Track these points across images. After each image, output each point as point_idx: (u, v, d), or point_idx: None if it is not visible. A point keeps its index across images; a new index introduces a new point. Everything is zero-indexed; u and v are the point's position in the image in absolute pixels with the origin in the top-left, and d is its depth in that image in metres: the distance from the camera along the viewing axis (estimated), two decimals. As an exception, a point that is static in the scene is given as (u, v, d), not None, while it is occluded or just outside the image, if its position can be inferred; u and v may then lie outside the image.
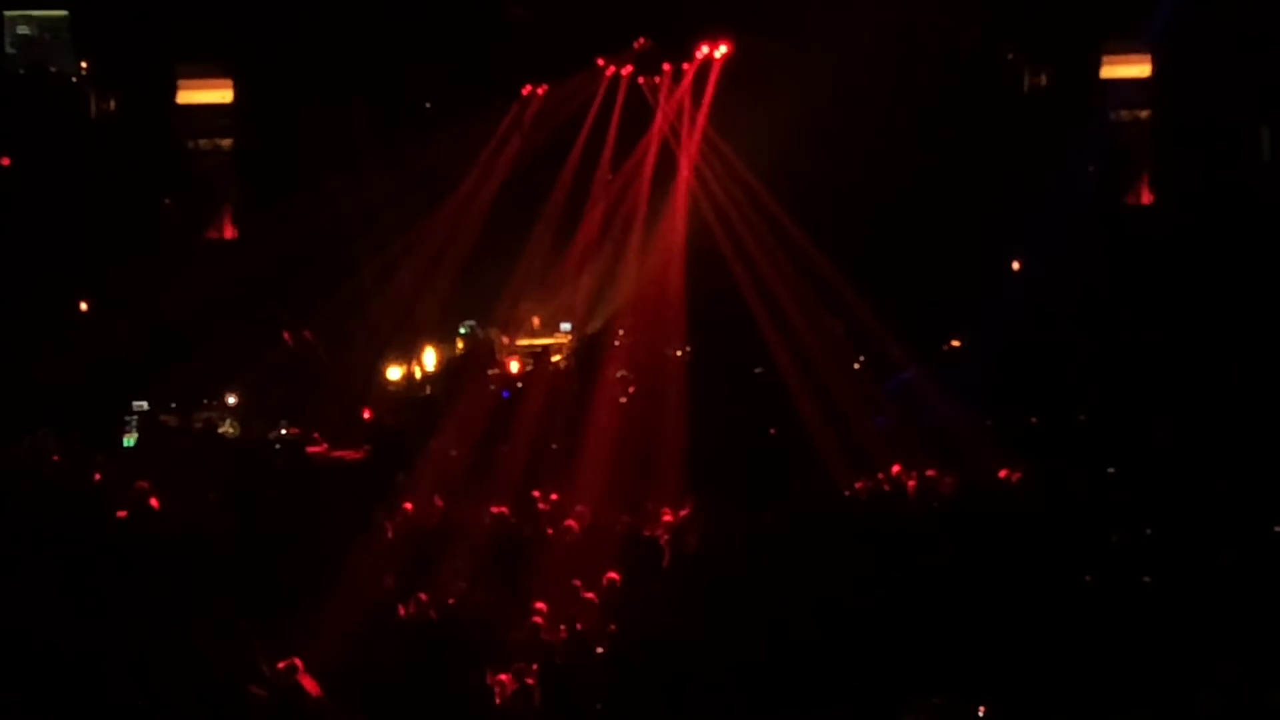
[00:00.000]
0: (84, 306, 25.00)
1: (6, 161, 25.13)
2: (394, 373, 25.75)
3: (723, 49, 25.73)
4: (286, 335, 23.96)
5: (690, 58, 26.10)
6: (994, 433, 20.80)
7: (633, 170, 26.39)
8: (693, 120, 26.18)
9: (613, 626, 13.43)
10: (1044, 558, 14.02)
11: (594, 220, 26.31)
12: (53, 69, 26.23)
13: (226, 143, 26.28)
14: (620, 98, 26.25)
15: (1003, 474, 18.53)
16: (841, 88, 23.36)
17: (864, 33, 23.26)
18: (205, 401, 24.51)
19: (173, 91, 25.81)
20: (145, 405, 24.08)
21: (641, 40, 26.04)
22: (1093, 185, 25.19)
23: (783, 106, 23.46)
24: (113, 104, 26.13)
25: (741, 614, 12.59)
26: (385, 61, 24.60)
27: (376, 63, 24.46)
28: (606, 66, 26.29)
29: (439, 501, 17.48)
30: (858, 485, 18.76)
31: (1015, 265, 25.85)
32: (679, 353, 24.91)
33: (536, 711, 11.90)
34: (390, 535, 16.21)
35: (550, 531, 16.56)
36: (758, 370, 23.80)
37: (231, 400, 24.69)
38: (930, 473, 18.65)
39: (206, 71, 25.85)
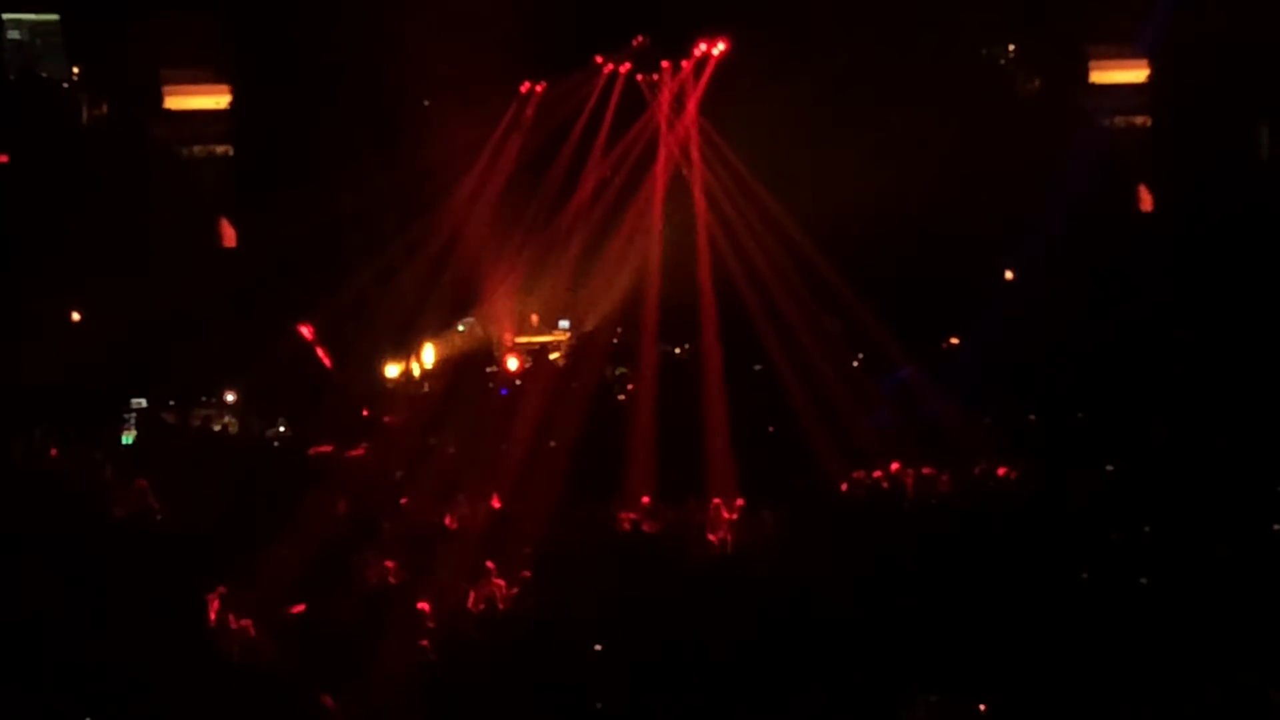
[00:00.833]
0: (75, 316, 24.86)
1: (5, 159, 25.06)
2: (392, 370, 25.75)
3: (720, 46, 25.75)
4: (300, 329, 23.89)
5: (688, 55, 26.12)
6: (992, 430, 20.80)
7: (630, 167, 26.37)
8: (691, 117, 26.18)
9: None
10: (1042, 554, 14.03)
11: (592, 216, 26.31)
12: (44, 74, 26.01)
13: (220, 149, 26.20)
14: (616, 94, 26.26)
15: (1001, 471, 18.53)
16: (834, 87, 23.41)
17: (858, 33, 23.31)
18: (204, 399, 24.52)
19: (161, 98, 25.69)
20: (144, 402, 24.09)
21: (640, 38, 26.06)
22: (1088, 188, 25.21)
23: (777, 104, 23.50)
24: (105, 109, 25.93)
25: (756, 609, 12.65)
26: (385, 61, 24.58)
27: (376, 62, 24.44)
28: (605, 64, 26.31)
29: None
30: (856, 475, 18.76)
31: (1008, 275, 25.89)
32: (678, 350, 24.91)
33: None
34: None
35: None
36: (757, 368, 23.80)
37: (230, 398, 24.70)
38: (927, 470, 18.65)
39: (199, 78, 25.74)
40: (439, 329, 26.38)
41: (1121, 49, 26.19)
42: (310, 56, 24.39)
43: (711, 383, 22.52)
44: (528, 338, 26.93)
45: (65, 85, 26.10)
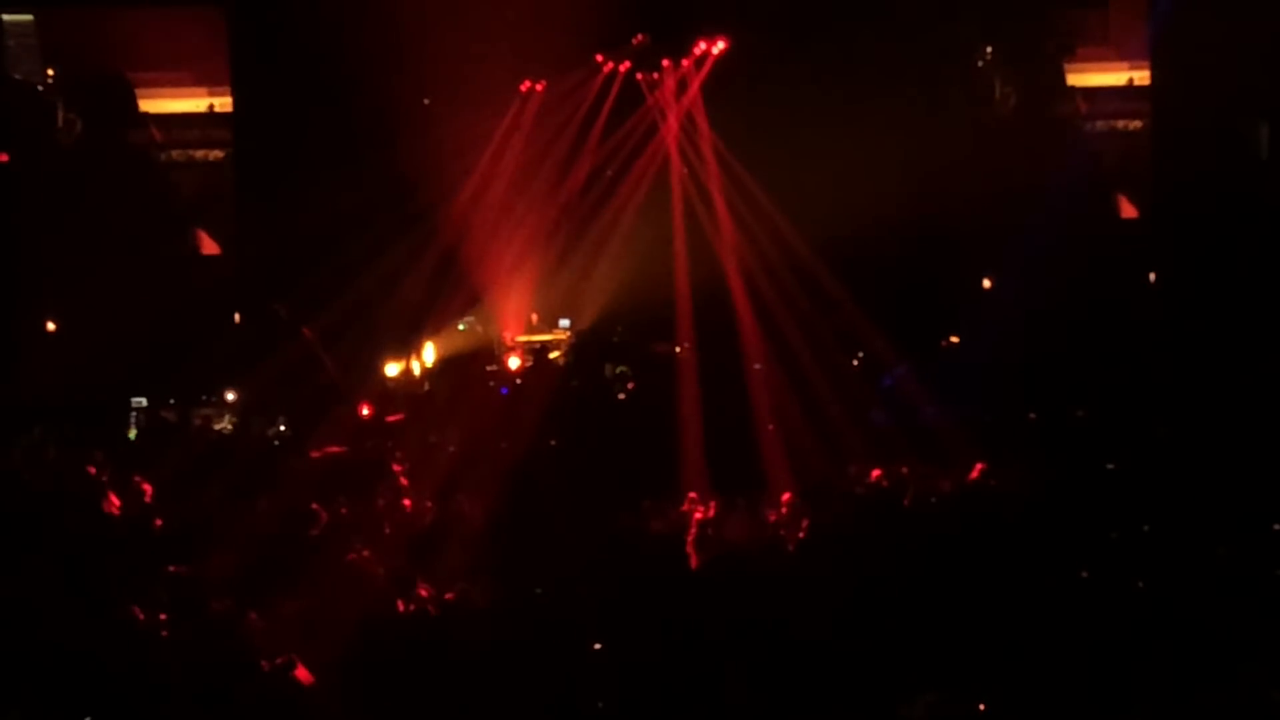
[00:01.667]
0: (50, 324, 24.73)
1: (5, 158, 25.05)
2: (392, 369, 25.76)
3: (720, 45, 25.78)
4: (303, 329, 23.91)
5: (689, 54, 26.14)
6: (992, 429, 20.79)
7: (630, 165, 26.41)
8: (690, 116, 26.21)
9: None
10: (1041, 554, 14.02)
11: (592, 215, 26.34)
12: (17, 76, 25.63)
13: (200, 154, 26.09)
14: (614, 92, 26.28)
15: (1000, 470, 18.51)
16: (822, 88, 23.50)
17: (849, 33, 23.42)
18: (204, 398, 24.53)
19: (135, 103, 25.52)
20: (144, 402, 24.09)
21: (640, 36, 26.08)
22: (1079, 191, 25.29)
23: (775, 103, 23.56)
24: (81, 114, 25.57)
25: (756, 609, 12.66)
26: (384, 60, 24.58)
27: (376, 62, 24.44)
28: (605, 62, 26.33)
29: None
30: (851, 470, 18.77)
31: (1007, 276, 25.93)
32: (678, 349, 24.92)
33: None
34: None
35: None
36: (756, 366, 23.81)
37: (230, 397, 24.71)
38: (929, 469, 18.65)
39: (179, 80, 25.61)
40: (439, 328, 26.41)
41: (1101, 52, 26.34)
42: (310, 56, 24.39)
43: (715, 382, 22.54)
44: (528, 337, 26.95)
45: (40, 88, 25.69)
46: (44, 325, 24.32)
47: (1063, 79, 26.34)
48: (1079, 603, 12.83)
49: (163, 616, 12.55)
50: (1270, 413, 19.50)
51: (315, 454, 20.39)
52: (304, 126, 24.85)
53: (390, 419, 23.05)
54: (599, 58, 26.29)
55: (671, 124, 26.33)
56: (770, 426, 22.10)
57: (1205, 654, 11.24)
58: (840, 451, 19.91)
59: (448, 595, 14.34)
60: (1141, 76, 26.35)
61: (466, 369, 25.31)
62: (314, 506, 15.46)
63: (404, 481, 17.13)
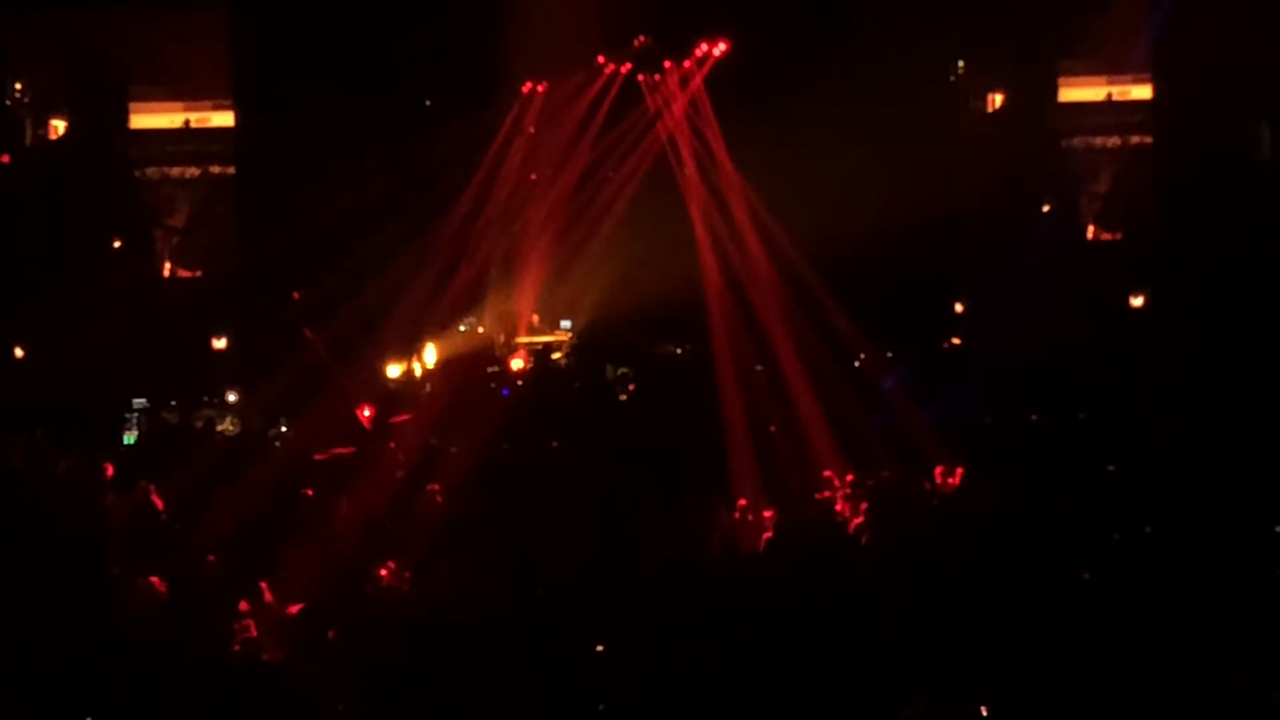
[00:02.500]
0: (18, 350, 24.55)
1: (6, 159, 25.01)
2: (394, 370, 25.78)
3: (721, 47, 25.82)
4: (308, 333, 23.92)
5: (690, 55, 26.17)
6: (993, 431, 20.80)
7: (631, 166, 26.43)
8: (691, 117, 26.24)
9: None
10: (1042, 555, 14.02)
11: (594, 216, 26.36)
12: None
13: (176, 171, 25.95)
14: (613, 93, 26.31)
15: (999, 471, 18.50)
16: (823, 89, 23.58)
17: (850, 35, 23.48)
18: (205, 399, 24.56)
19: (124, 118, 25.31)
20: (145, 403, 24.11)
21: (642, 38, 26.10)
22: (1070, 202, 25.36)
23: (774, 105, 23.63)
24: (51, 129, 25.18)
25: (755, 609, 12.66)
26: (385, 61, 24.62)
27: (376, 62, 24.48)
28: (607, 64, 26.36)
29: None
30: (852, 477, 18.76)
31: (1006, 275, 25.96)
32: (679, 350, 24.94)
33: None
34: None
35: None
36: (758, 368, 23.81)
37: (232, 398, 24.73)
38: (938, 470, 18.65)
39: (157, 94, 25.44)
40: (440, 329, 26.43)
41: (1088, 65, 26.40)
42: (312, 57, 24.43)
43: (722, 383, 22.55)
44: (529, 338, 26.97)
45: (7, 103, 25.26)
46: (41, 327, 24.27)
47: (1055, 87, 26.43)
48: (1079, 604, 12.84)
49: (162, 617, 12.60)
50: (1270, 415, 19.50)
51: (320, 456, 20.49)
52: (305, 128, 24.87)
53: (395, 420, 23.06)
54: (601, 59, 26.32)
55: (672, 125, 26.35)
56: (771, 428, 22.14)
57: (1205, 655, 11.24)
58: (841, 452, 19.90)
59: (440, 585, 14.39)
60: (1121, 91, 26.40)
61: (468, 370, 25.32)
62: (307, 492, 15.43)
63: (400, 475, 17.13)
